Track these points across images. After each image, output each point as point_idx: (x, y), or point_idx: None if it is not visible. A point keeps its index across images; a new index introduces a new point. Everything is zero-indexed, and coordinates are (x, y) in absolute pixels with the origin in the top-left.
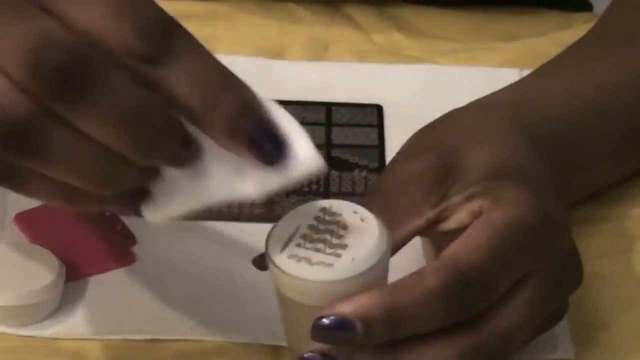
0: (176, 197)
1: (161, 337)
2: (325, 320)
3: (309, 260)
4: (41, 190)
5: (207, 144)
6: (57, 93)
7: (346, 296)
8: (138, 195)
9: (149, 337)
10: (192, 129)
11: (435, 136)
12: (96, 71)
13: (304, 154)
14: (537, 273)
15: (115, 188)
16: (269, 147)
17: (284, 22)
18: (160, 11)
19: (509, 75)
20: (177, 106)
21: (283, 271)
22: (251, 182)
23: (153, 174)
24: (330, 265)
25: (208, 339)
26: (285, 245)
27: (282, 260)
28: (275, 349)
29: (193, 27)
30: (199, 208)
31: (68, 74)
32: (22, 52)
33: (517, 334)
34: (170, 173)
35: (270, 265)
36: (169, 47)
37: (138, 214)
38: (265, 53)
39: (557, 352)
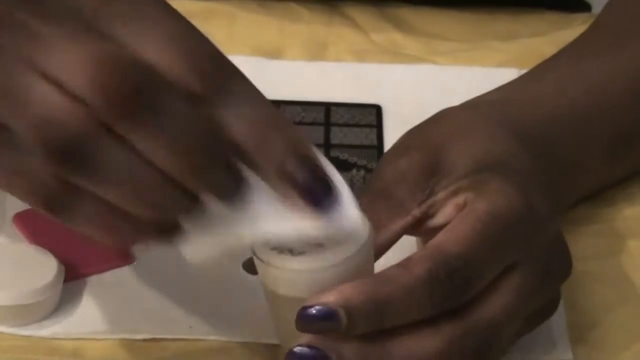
0: (217, 236)
1: (160, 337)
2: (309, 311)
3: (291, 251)
4: (84, 217)
5: (255, 186)
6: (123, 111)
7: (329, 285)
8: (175, 231)
9: (147, 336)
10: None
11: (421, 135)
12: (162, 93)
13: (351, 212)
14: (523, 263)
15: (163, 212)
16: (318, 189)
17: (283, 21)
18: (217, 51)
19: (508, 75)
20: (230, 144)
21: (266, 263)
22: (291, 227)
23: (199, 203)
24: (310, 255)
25: (207, 338)
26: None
27: (265, 252)
28: (274, 348)
29: None
30: (238, 247)
31: (136, 93)
32: (90, 68)
33: (503, 323)
34: (215, 211)
35: (255, 259)
36: (224, 87)
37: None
38: (264, 52)
39: (556, 352)
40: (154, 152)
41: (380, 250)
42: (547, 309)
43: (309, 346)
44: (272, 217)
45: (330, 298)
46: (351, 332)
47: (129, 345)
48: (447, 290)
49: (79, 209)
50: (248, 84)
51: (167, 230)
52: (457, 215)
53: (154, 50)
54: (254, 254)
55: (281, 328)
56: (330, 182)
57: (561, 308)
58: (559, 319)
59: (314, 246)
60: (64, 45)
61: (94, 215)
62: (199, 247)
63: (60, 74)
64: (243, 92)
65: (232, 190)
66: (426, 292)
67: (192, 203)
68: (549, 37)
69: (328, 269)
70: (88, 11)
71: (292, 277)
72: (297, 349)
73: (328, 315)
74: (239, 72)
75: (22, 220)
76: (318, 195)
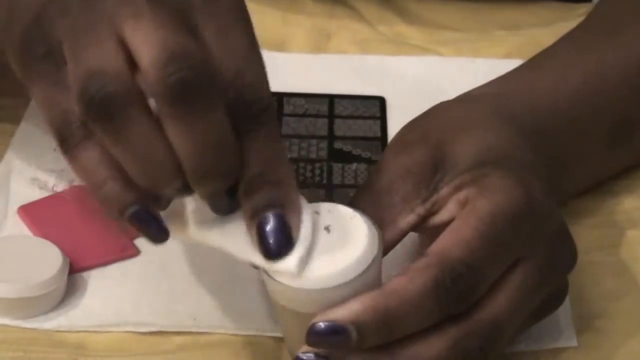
0: (205, 229)
1: (164, 329)
2: (318, 327)
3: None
4: (88, 163)
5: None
6: (171, 97)
7: (340, 301)
8: (160, 222)
9: (152, 329)
10: None
11: (421, 130)
12: (209, 98)
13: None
14: (527, 258)
15: (159, 187)
16: (273, 244)
17: (287, 12)
18: (269, 95)
19: (512, 67)
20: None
21: (275, 280)
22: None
23: (188, 193)
24: (321, 272)
25: (211, 331)
26: None
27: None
28: (278, 341)
29: None
30: (216, 248)
31: (189, 87)
32: (161, 51)
33: (508, 320)
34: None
35: (263, 274)
36: (257, 126)
37: (152, 236)
38: (267, 42)
39: (561, 340)
40: (178, 143)
41: (386, 249)
42: (555, 299)
43: (315, 353)
44: (231, 236)
45: (340, 314)
46: (361, 346)
47: (134, 337)
48: (453, 296)
49: (82, 157)
50: (275, 129)
51: (151, 203)
52: (459, 214)
53: (225, 62)
54: (263, 269)
55: (289, 337)
56: (290, 242)
57: (566, 298)
58: (564, 308)
59: (324, 255)
60: (154, 25)
61: (91, 168)
62: (184, 227)
63: (135, 43)
64: (266, 135)
65: (222, 209)
66: (433, 300)
67: (186, 192)
68: (553, 28)
69: (338, 288)
70: (192, 6)
71: (302, 295)
72: (303, 356)
73: (338, 331)
74: (274, 115)
75: (27, 212)
76: (271, 248)
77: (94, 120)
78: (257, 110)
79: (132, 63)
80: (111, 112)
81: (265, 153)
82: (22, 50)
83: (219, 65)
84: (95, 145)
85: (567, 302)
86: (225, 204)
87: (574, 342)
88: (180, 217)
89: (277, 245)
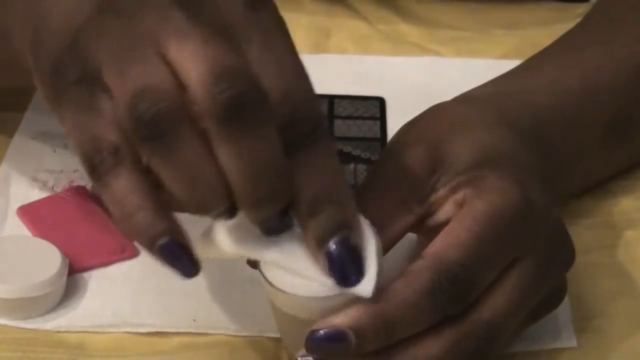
0: (236, 243)
1: (163, 330)
2: (318, 333)
3: (300, 275)
4: (119, 191)
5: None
6: (221, 117)
7: (338, 308)
8: (191, 256)
9: (151, 329)
10: None
11: (419, 131)
12: (260, 117)
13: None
14: (524, 257)
15: (206, 210)
16: (347, 271)
17: (285, 11)
18: (320, 111)
19: (510, 67)
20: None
21: (273, 285)
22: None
23: (232, 215)
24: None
25: (210, 332)
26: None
27: (272, 272)
28: (277, 342)
29: None
30: (248, 257)
31: (239, 106)
32: (209, 71)
33: (506, 320)
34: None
35: (262, 280)
36: (311, 145)
37: (181, 269)
38: None
39: (560, 341)
40: (230, 164)
41: (383, 249)
42: (554, 299)
43: (314, 358)
44: (293, 257)
45: (339, 320)
46: (360, 352)
47: (133, 338)
48: (451, 298)
49: (112, 184)
50: (330, 147)
51: (183, 235)
52: (455, 216)
53: (268, 82)
54: (262, 275)
55: (288, 341)
56: (360, 264)
57: (565, 297)
58: (563, 308)
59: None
60: (200, 43)
61: (120, 194)
62: (214, 245)
63: (181, 63)
64: (322, 153)
65: (273, 230)
66: (431, 302)
67: (230, 213)
68: (551, 28)
69: (337, 296)
70: (235, 28)
71: (301, 302)
72: (302, 359)
73: (337, 338)
74: (327, 132)
75: (27, 213)
76: (345, 274)
77: (144, 138)
78: (311, 128)
79: (179, 83)
80: (162, 130)
81: (324, 171)
82: (55, 74)
83: (267, 83)
84: (126, 173)
85: (566, 302)
86: (277, 226)
87: (573, 343)
88: (212, 235)
89: (350, 274)
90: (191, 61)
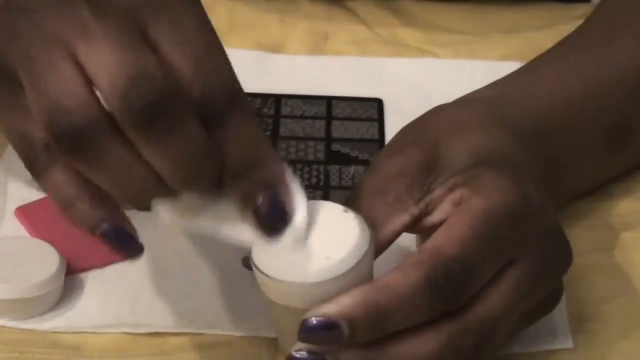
0: (190, 216)
1: (161, 331)
2: (311, 322)
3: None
4: (56, 185)
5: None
6: (138, 124)
7: (332, 296)
8: (133, 239)
9: (149, 330)
10: None
11: (417, 132)
12: (176, 114)
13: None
14: (521, 257)
15: (143, 202)
16: (272, 224)
17: (284, 14)
18: (233, 79)
19: (510, 69)
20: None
21: (266, 274)
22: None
23: (172, 194)
24: (312, 267)
25: (208, 332)
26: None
27: (264, 262)
28: (275, 342)
29: None
30: (203, 234)
31: (154, 110)
32: (119, 75)
33: (502, 319)
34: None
35: (254, 269)
36: (227, 116)
37: (125, 252)
38: (265, 44)
39: (557, 342)
40: (156, 162)
41: (380, 249)
42: (551, 301)
43: (308, 351)
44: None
45: (332, 309)
46: (353, 342)
47: (131, 339)
48: (446, 294)
49: (50, 178)
50: (246, 113)
51: (122, 219)
52: (453, 213)
53: (180, 65)
54: (254, 264)
55: (281, 334)
56: (285, 217)
57: (562, 298)
58: (560, 310)
59: (315, 250)
60: (107, 45)
61: (60, 187)
62: (167, 217)
63: (91, 68)
64: (239, 122)
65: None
66: (425, 297)
67: (169, 194)
68: (551, 30)
69: (330, 282)
70: (141, 13)
71: (294, 290)
72: (296, 354)
73: (330, 327)
74: (244, 101)
75: (24, 214)
76: (271, 227)
77: (67, 153)
78: (225, 101)
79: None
80: (83, 145)
81: (244, 139)
82: None
83: (176, 64)
84: (61, 167)
85: (563, 303)
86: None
87: (569, 344)
88: (169, 207)
89: (275, 222)
90: (101, 69)
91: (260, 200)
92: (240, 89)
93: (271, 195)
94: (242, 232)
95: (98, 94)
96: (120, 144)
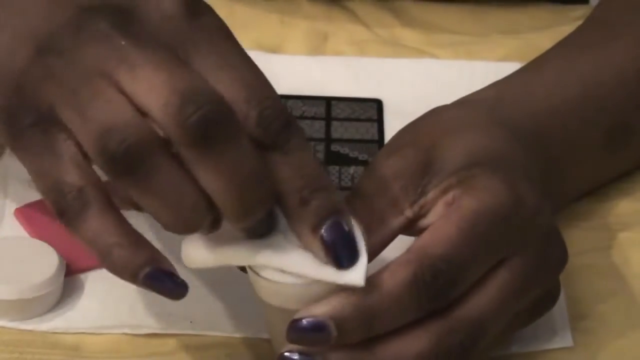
0: (223, 253)
1: (160, 332)
2: (299, 323)
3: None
4: (91, 233)
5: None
6: (194, 139)
7: (321, 297)
8: (174, 276)
9: (148, 331)
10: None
11: (414, 133)
12: (231, 130)
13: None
14: (512, 258)
15: (192, 229)
16: (341, 254)
17: (283, 14)
18: (284, 106)
19: (509, 70)
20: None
21: (258, 275)
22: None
23: (217, 227)
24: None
25: (207, 333)
26: None
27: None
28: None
29: None
30: (238, 264)
31: (210, 124)
32: (169, 96)
33: (491, 319)
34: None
35: (247, 269)
36: (283, 143)
37: (170, 293)
38: (264, 45)
39: (556, 341)
40: (211, 183)
41: (374, 252)
42: (546, 302)
43: (298, 351)
44: (284, 255)
45: (320, 310)
46: (341, 342)
47: (130, 340)
48: (433, 293)
49: (84, 226)
50: (303, 138)
51: (162, 260)
52: (443, 213)
53: (230, 91)
54: (249, 267)
55: (273, 334)
56: (355, 245)
57: (562, 297)
58: (560, 309)
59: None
60: (152, 69)
61: (94, 234)
62: (201, 254)
63: (138, 95)
64: (297, 146)
65: (261, 232)
66: (413, 295)
67: (216, 225)
68: (549, 31)
69: (321, 284)
70: (180, 44)
71: (284, 290)
72: (287, 354)
73: (318, 327)
74: (297, 124)
75: (24, 214)
76: (342, 256)
77: (120, 175)
78: (281, 124)
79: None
80: (137, 165)
81: (304, 163)
82: (8, 121)
83: (226, 87)
84: (95, 214)
85: (562, 302)
86: (264, 229)
87: (569, 343)
88: (200, 243)
89: (344, 257)
90: (148, 91)
91: (331, 227)
92: (292, 114)
93: (340, 223)
94: (298, 262)
95: None
96: (173, 163)
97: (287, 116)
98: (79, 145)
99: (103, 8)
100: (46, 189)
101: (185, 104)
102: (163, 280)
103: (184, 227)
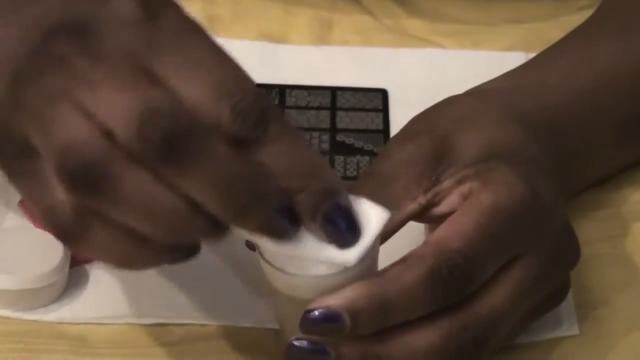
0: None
1: (165, 322)
2: (313, 314)
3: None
4: (96, 247)
5: None
6: (161, 158)
7: (336, 287)
8: (193, 252)
9: (153, 321)
10: None
11: (429, 121)
12: (197, 139)
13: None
14: (527, 254)
15: (182, 237)
16: (344, 231)
17: (287, 2)
18: (259, 95)
19: (515, 59)
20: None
21: (273, 265)
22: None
23: (222, 230)
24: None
25: (212, 323)
26: None
27: (271, 253)
28: (279, 333)
29: (196, 10)
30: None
31: (172, 141)
32: (129, 117)
33: (505, 315)
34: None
35: (260, 259)
36: (264, 133)
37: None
38: (269, 34)
39: (562, 328)
40: (195, 193)
41: (385, 237)
42: (556, 297)
43: (308, 340)
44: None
45: (334, 301)
46: (355, 334)
47: (135, 330)
48: (449, 287)
49: (89, 240)
50: (287, 127)
51: (185, 252)
52: (461, 206)
53: (199, 93)
54: (260, 254)
55: (283, 324)
56: (355, 221)
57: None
58: (566, 299)
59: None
60: (110, 89)
61: (105, 245)
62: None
63: (101, 115)
64: (283, 136)
65: (282, 229)
66: (428, 289)
67: (216, 229)
68: (555, 21)
69: (335, 275)
70: (141, 51)
71: (298, 281)
72: (296, 342)
73: (332, 318)
74: (279, 114)
75: (28, 204)
76: (344, 234)
77: (82, 193)
78: (258, 116)
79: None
80: (97, 180)
81: (289, 150)
82: None
83: (193, 91)
84: (95, 230)
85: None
86: (285, 225)
87: (575, 330)
88: None
89: (346, 234)
90: (109, 111)
91: (328, 209)
92: (268, 98)
93: (337, 202)
94: (314, 250)
95: None
96: (141, 175)
97: (261, 105)
98: None
99: (63, 29)
100: (42, 212)
101: (145, 123)
102: (175, 257)
103: (170, 233)
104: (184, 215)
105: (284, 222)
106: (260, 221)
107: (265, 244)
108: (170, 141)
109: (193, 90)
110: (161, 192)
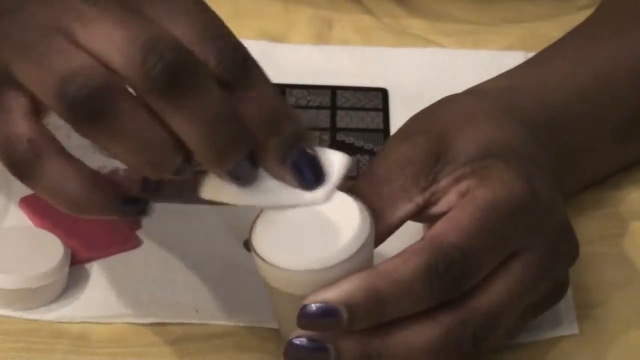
0: (231, 190)
1: (165, 321)
2: (310, 308)
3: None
4: (46, 184)
5: None
6: (161, 87)
7: (331, 282)
8: (141, 212)
9: (153, 320)
10: None
11: (426, 120)
12: (197, 73)
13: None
14: (525, 251)
15: (164, 170)
16: (309, 175)
17: (287, 1)
18: (239, 43)
19: (514, 59)
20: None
21: (266, 261)
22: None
23: (191, 166)
24: (312, 253)
25: (212, 322)
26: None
27: (264, 248)
28: (279, 333)
29: None
30: (247, 205)
31: (175, 70)
32: (132, 47)
33: (504, 311)
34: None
35: (254, 255)
36: (245, 78)
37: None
38: (269, 33)
39: (561, 328)
40: (185, 130)
41: (382, 237)
42: (555, 294)
43: (307, 338)
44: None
45: (331, 295)
46: (352, 328)
47: (135, 329)
48: (446, 282)
49: (42, 176)
50: (264, 75)
51: (135, 207)
52: (458, 202)
53: (188, 35)
54: (254, 251)
55: (281, 321)
56: (321, 166)
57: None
58: (565, 296)
59: (316, 236)
60: (108, 24)
61: (56, 182)
62: (214, 190)
63: (98, 49)
64: (259, 79)
65: (245, 177)
66: (425, 284)
67: (187, 166)
68: (555, 21)
69: (329, 269)
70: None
71: (293, 276)
72: (296, 340)
73: (329, 313)
74: (257, 63)
75: (28, 204)
76: (309, 178)
77: (83, 120)
78: (239, 60)
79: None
80: (100, 108)
81: (267, 97)
82: None
83: (182, 33)
84: (50, 162)
85: (568, 291)
86: (247, 172)
87: (575, 330)
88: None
89: (314, 174)
90: (107, 46)
91: (298, 150)
92: (247, 51)
93: (306, 149)
94: (283, 194)
95: None
96: (137, 106)
97: (244, 50)
98: (31, 99)
99: None
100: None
101: (148, 55)
102: (126, 210)
103: (152, 168)
104: (169, 151)
105: (250, 173)
106: (233, 167)
107: (235, 194)
108: (172, 74)
109: (179, 32)
110: (153, 126)
